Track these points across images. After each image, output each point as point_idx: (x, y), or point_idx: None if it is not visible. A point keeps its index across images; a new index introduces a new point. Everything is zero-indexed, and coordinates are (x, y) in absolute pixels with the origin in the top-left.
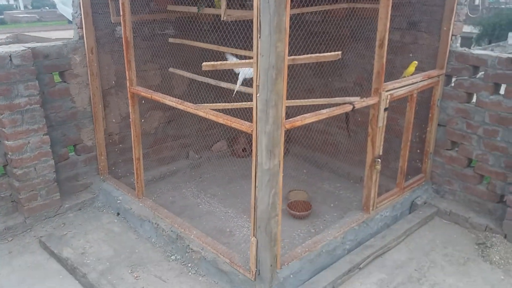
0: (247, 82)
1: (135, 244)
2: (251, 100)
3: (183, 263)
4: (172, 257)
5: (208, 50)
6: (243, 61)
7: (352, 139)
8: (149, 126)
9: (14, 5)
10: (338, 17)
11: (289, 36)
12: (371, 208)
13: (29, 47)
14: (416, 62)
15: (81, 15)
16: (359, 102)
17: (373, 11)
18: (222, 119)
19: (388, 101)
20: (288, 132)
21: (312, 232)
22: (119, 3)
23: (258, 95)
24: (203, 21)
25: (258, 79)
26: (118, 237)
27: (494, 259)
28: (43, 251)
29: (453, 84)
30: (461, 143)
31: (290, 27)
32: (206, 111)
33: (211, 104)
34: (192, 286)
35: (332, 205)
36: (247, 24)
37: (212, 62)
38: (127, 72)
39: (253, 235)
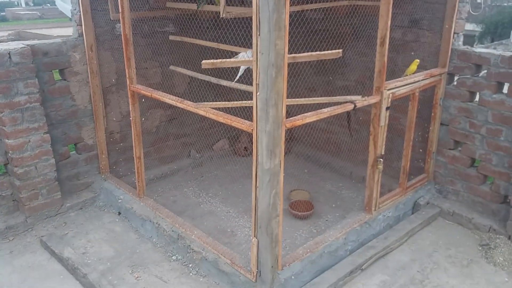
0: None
1: (136, 244)
2: (252, 99)
3: (184, 264)
4: (173, 258)
5: (208, 48)
6: (243, 59)
7: (354, 138)
8: (150, 124)
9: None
10: (339, 14)
11: (290, 34)
12: (373, 209)
13: (28, 45)
14: (418, 60)
15: (80, 12)
16: (360, 101)
17: (374, 9)
18: (222, 118)
19: (390, 100)
20: (290, 131)
21: (314, 233)
22: (118, 0)
23: (258, 93)
24: (203, 18)
25: (257, 77)
26: (119, 237)
27: (498, 260)
28: (44, 250)
29: (455, 83)
30: (464, 143)
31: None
32: (206, 110)
33: (211, 103)
34: (193, 287)
35: (334, 205)
36: (248, 22)
37: (212, 60)
38: (126, 70)
39: (254, 236)
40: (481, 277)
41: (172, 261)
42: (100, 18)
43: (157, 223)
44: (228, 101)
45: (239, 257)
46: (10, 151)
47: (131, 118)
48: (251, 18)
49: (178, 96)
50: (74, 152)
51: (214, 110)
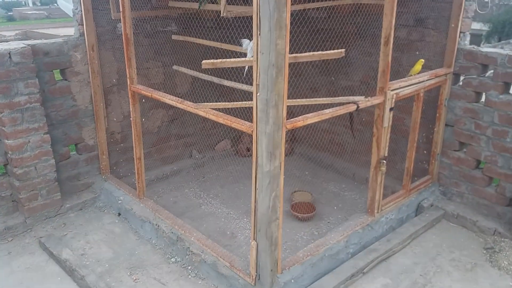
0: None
1: (135, 246)
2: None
3: (183, 266)
4: (172, 259)
5: (211, 48)
6: (243, 59)
7: (358, 139)
8: (151, 124)
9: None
10: (343, 13)
11: (292, 33)
12: (376, 211)
13: (28, 44)
14: (423, 60)
15: (81, 11)
16: (363, 101)
17: (379, 7)
18: (222, 119)
19: (393, 100)
20: (292, 132)
21: (315, 235)
22: None
23: (258, 94)
24: (206, 18)
25: (258, 78)
26: (119, 238)
27: (503, 264)
28: (43, 252)
29: (461, 83)
30: (469, 144)
31: (294, 24)
32: (206, 110)
33: (211, 104)
34: None
35: (336, 207)
36: (250, 21)
37: (212, 60)
38: (127, 70)
39: (253, 239)
40: (485, 281)
41: (171, 263)
42: (101, 18)
43: (156, 224)
44: (231, 101)
45: (238, 260)
46: (10, 152)
47: (131, 119)
48: (252, 17)
49: (181, 96)
50: (74, 152)
51: (214, 111)
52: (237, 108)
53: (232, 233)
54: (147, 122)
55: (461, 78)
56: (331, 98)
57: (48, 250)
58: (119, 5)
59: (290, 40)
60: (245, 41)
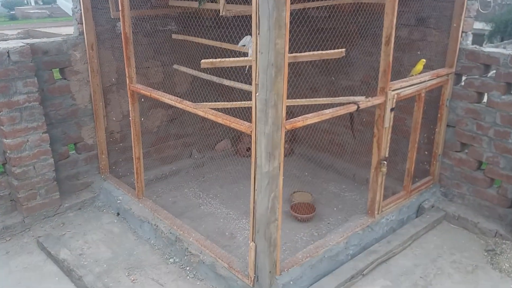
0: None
1: (134, 246)
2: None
3: (181, 266)
4: (170, 260)
5: (211, 47)
6: (242, 58)
7: (358, 140)
8: (151, 124)
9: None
10: (344, 12)
11: (294, 32)
12: (376, 212)
13: (27, 43)
14: (424, 60)
15: (81, 10)
16: (364, 101)
17: (380, 6)
18: (221, 119)
19: (394, 100)
20: (293, 132)
21: (315, 236)
22: None
23: (257, 94)
24: (205, 17)
25: (257, 77)
26: (117, 238)
27: (504, 267)
28: (41, 251)
29: (463, 83)
30: (471, 145)
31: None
32: (205, 110)
33: (210, 103)
34: None
35: (336, 208)
36: (250, 20)
37: (211, 60)
38: (126, 69)
39: (252, 240)
40: (486, 284)
41: (169, 264)
42: (101, 17)
43: (155, 224)
44: (231, 101)
45: (237, 261)
46: (8, 151)
47: (130, 118)
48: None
49: (180, 96)
50: (73, 151)
51: (213, 111)
52: (237, 108)
53: (231, 233)
54: (146, 121)
55: (463, 78)
56: (331, 98)
57: (46, 249)
58: (118, 4)
59: (290, 40)
60: (248, 37)
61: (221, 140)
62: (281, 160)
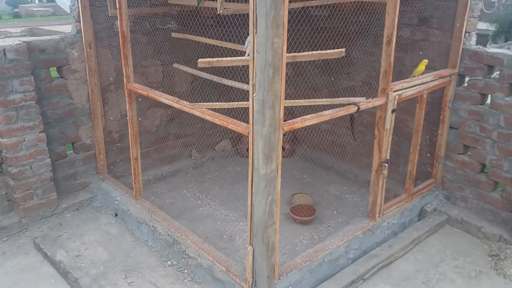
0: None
1: (132, 248)
2: None
3: (179, 269)
4: (168, 262)
5: (211, 46)
6: (240, 58)
7: (359, 141)
8: (150, 124)
9: None
10: (345, 12)
11: (293, 31)
12: (377, 215)
13: (24, 41)
14: (427, 60)
15: (78, 8)
16: (364, 103)
17: (382, 6)
18: (219, 119)
19: (396, 102)
20: (294, 132)
21: (315, 239)
22: None
23: (254, 94)
24: (205, 15)
25: (254, 77)
26: (115, 240)
27: (508, 272)
28: (37, 252)
29: (466, 85)
30: (474, 147)
31: (295, 22)
32: (202, 110)
33: (207, 104)
34: None
35: (337, 210)
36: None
37: (208, 59)
38: (123, 68)
39: (250, 244)
40: None
41: (167, 266)
42: (99, 15)
43: (153, 226)
44: (232, 101)
45: (235, 265)
46: (4, 150)
47: (128, 118)
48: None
49: (180, 95)
50: (71, 151)
51: (211, 111)
52: (238, 108)
53: (230, 236)
54: (145, 121)
55: (466, 79)
56: (331, 99)
57: (43, 251)
58: (116, 2)
59: (291, 39)
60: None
61: (221, 140)
62: (278, 163)
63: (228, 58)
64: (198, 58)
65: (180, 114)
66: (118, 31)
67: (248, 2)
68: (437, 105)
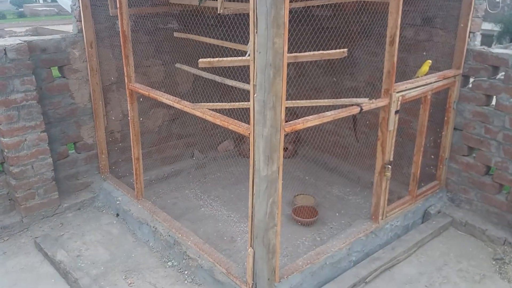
0: None
1: (132, 248)
2: None
3: (179, 270)
4: (169, 263)
5: (213, 46)
6: (241, 58)
7: (363, 142)
8: (152, 123)
9: None
10: (348, 11)
11: (296, 31)
12: (380, 217)
13: (25, 41)
14: (430, 61)
15: (79, 7)
16: (367, 104)
17: (385, 5)
18: (219, 120)
19: (399, 103)
20: (297, 133)
21: (317, 241)
22: None
23: (255, 95)
24: (207, 15)
25: (255, 78)
26: (116, 240)
27: None
28: (38, 252)
29: (470, 85)
30: (479, 149)
31: (298, 22)
32: (203, 111)
33: (208, 104)
34: None
35: (339, 212)
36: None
37: (209, 59)
38: (125, 68)
39: (250, 246)
40: None
41: (167, 267)
42: (100, 14)
43: (154, 226)
44: (234, 101)
45: (235, 267)
46: (6, 150)
47: (129, 118)
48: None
49: (182, 95)
50: (73, 151)
51: (212, 112)
52: (240, 108)
53: (231, 237)
54: (147, 121)
55: (471, 80)
56: (334, 99)
57: (43, 250)
58: (116, 2)
59: (293, 39)
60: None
61: (224, 140)
62: (280, 164)
63: (229, 58)
64: (200, 58)
65: (183, 114)
66: (119, 31)
67: (248, 2)
68: (441, 106)
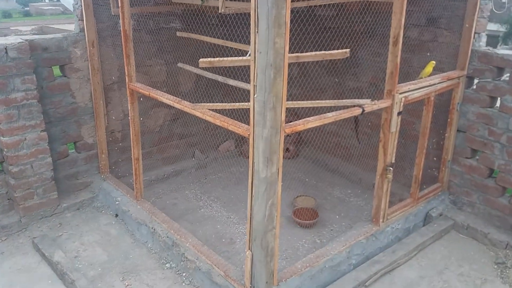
0: None
1: (131, 249)
2: None
3: (177, 272)
4: (167, 265)
5: (216, 45)
6: (241, 58)
7: (365, 143)
8: (153, 123)
9: None
10: (352, 11)
11: (298, 31)
12: (381, 220)
13: (26, 40)
14: (434, 62)
15: (81, 6)
16: (369, 105)
17: (389, 6)
18: (219, 120)
19: (402, 104)
20: (299, 133)
21: (317, 243)
22: None
23: (255, 96)
24: (210, 14)
25: (255, 78)
26: (114, 241)
27: None
28: (36, 252)
29: (475, 87)
30: (482, 152)
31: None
32: (203, 111)
33: (208, 104)
34: None
35: (340, 214)
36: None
37: (209, 59)
38: (125, 67)
39: (248, 248)
40: None
41: (165, 269)
42: (102, 13)
43: (152, 228)
44: (237, 101)
45: (234, 269)
46: (5, 149)
47: (129, 118)
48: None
49: (184, 95)
50: (73, 150)
51: (212, 112)
52: (242, 109)
53: (230, 238)
54: (148, 120)
55: (475, 81)
56: (335, 100)
57: (41, 251)
58: (118, 0)
59: (294, 39)
60: None
61: (225, 140)
62: (279, 166)
63: (230, 58)
64: (203, 58)
65: (184, 114)
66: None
67: (249, 1)
68: (444, 108)
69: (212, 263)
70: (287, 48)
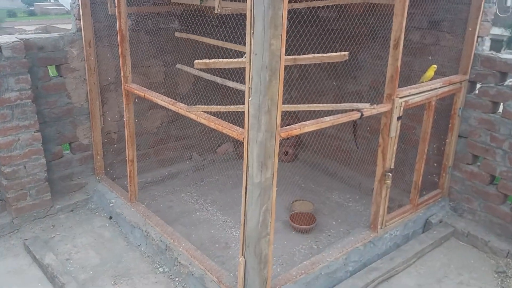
0: None
1: (124, 252)
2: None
3: (170, 277)
4: (159, 269)
5: (215, 47)
6: (237, 59)
7: (365, 148)
8: (150, 125)
9: None
10: (354, 13)
11: (302, 33)
12: (379, 226)
13: (22, 39)
14: (435, 66)
15: (79, 5)
16: (368, 109)
17: (391, 8)
18: (214, 123)
19: (402, 109)
20: (297, 137)
21: (314, 249)
22: None
23: (250, 98)
24: (209, 15)
25: (250, 81)
26: (107, 243)
27: None
28: (27, 254)
29: (477, 92)
30: (484, 158)
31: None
32: (198, 114)
33: (203, 106)
34: None
35: (338, 220)
36: None
37: (205, 60)
38: (121, 68)
39: (242, 255)
40: None
41: (158, 273)
42: (99, 13)
43: (146, 231)
44: (235, 103)
45: (227, 275)
46: None
47: (124, 119)
48: None
49: (182, 97)
50: (68, 151)
51: (206, 114)
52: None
53: (226, 243)
54: (145, 122)
55: (477, 86)
56: (334, 104)
57: (32, 253)
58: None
59: (296, 40)
60: None
61: (223, 143)
62: (274, 171)
63: (225, 60)
64: (202, 59)
65: (181, 116)
66: None
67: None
68: (446, 113)
69: (205, 268)
70: (283, 50)
